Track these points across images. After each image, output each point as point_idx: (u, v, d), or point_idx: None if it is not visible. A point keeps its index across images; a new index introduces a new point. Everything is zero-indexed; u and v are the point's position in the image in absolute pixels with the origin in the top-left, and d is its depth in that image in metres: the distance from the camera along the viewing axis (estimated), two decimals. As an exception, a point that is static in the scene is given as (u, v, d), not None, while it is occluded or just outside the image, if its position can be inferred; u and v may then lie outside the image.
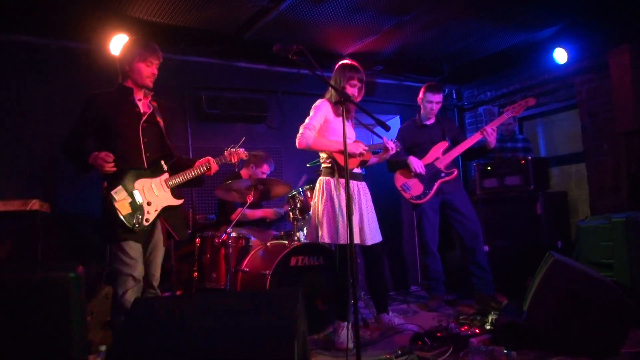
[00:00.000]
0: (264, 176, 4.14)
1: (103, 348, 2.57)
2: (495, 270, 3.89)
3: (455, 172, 3.90)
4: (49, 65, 3.89)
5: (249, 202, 3.48)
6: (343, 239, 2.97)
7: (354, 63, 3.18)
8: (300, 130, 3.06)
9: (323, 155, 3.17)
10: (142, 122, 2.67)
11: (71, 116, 3.82)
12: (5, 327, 1.57)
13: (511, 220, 4.26)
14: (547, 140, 5.41)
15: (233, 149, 3.00)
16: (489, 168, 4.47)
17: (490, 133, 3.74)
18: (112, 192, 2.50)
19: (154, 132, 2.72)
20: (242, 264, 3.45)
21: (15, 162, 3.71)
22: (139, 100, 2.71)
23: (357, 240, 3.03)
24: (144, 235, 2.65)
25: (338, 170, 3.04)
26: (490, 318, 3.06)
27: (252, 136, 4.52)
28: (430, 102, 3.94)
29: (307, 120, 3.09)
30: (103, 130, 2.61)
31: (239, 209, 3.84)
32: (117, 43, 3.77)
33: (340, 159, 3.02)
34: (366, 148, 3.14)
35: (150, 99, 2.76)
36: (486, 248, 3.95)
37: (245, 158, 3.07)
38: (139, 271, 2.60)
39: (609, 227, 3.21)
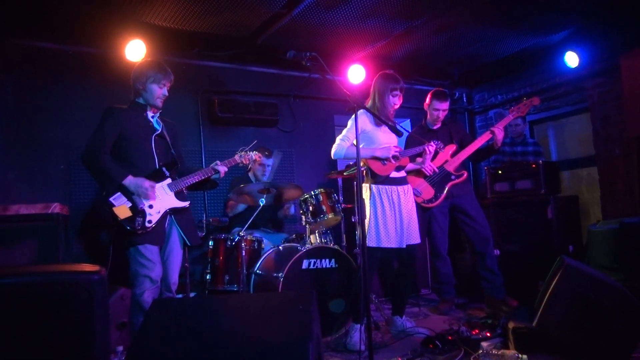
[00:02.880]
0: (268, 169, 4.14)
1: (120, 349, 2.62)
2: (506, 274, 3.89)
3: (465, 175, 3.91)
4: (65, 70, 3.97)
5: (261, 206, 3.52)
6: (387, 242, 3.08)
7: (394, 74, 3.25)
8: (337, 141, 3.21)
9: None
10: (154, 135, 2.81)
11: (87, 121, 3.94)
12: (29, 329, 1.61)
13: (522, 224, 4.26)
14: (558, 144, 5.40)
15: (244, 152, 3.07)
16: (499, 172, 4.48)
17: (498, 132, 3.75)
18: (110, 199, 2.60)
19: (164, 144, 2.86)
20: (255, 266, 3.49)
21: (33, 166, 3.79)
22: (152, 117, 2.85)
23: (394, 244, 3.09)
24: (160, 238, 2.72)
25: (372, 175, 3.17)
26: (501, 322, 3.07)
27: (264, 140, 4.57)
28: (436, 110, 3.95)
29: (343, 132, 3.24)
30: (119, 141, 2.71)
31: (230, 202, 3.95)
32: (132, 48, 3.85)
33: (373, 165, 3.16)
34: (400, 150, 3.15)
35: (158, 115, 2.90)
36: (497, 252, 3.95)
37: (258, 160, 3.14)
38: (156, 273, 2.67)
39: (619, 230, 3.20)
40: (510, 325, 2.80)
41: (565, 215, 4.25)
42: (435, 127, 4.06)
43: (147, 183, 2.66)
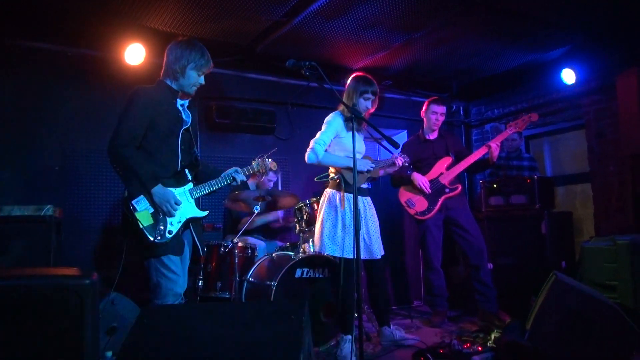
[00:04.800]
0: (271, 184, 4.19)
1: (109, 354, 2.59)
2: (499, 288, 3.90)
3: (460, 188, 3.93)
4: (63, 72, 3.96)
5: (255, 212, 3.52)
6: (348, 253, 3.01)
7: (367, 75, 3.20)
8: (311, 144, 3.09)
9: (332, 168, 3.22)
10: (182, 129, 2.55)
11: (84, 123, 3.98)
12: (17, 334, 1.59)
13: (516, 238, 4.27)
14: (553, 159, 5.43)
15: (261, 160, 2.88)
16: (494, 186, 4.50)
17: (494, 148, 3.78)
18: (133, 202, 2.39)
19: (188, 139, 2.61)
20: (248, 274, 3.48)
21: (28, 167, 3.77)
22: (182, 105, 2.59)
23: (363, 255, 3.07)
24: (181, 247, 2.53)
25: (345, 185, 3.08)
26: (492, 336, 3.08)
27: (260, 147, 4.57)
28: (434, 113, 3.99)
29: (317, 135, 3.12)
30: (146, 132, 2.43)
31: (247, 219, 3.88)
32: (132, 52, 3.86)
33: (347, 175, 3.08)
34: (373, 165, 3.17)
35: (188, 103, 2.67)
36: (490, 265, 3.96)
37: (273, 169, 2.94)
38: (181, 285, 2.51)
39: (614, 248, 3.22)
40: (502, 340, 2.80)
41: (559, 231, 4.27)
42: (431, 137, 4.08)
43: (173, 199, 2.45)
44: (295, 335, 1.85)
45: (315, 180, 3.99)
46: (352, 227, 2.97)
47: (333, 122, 3.13)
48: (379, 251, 3.17)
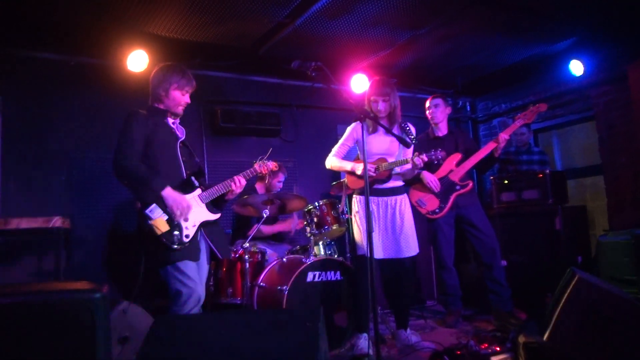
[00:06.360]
0: (281, 185, 4.16)
1: (122, 365, 2.57)
2: (513, 286, 3.83)
3: (470, 185, 3.86)
4: (67, 80, 3.94)
5: (264, 217, 3.48)
6: (363, 251, 3.11)
7: (377, 79, 3.28)
8: (331, 152, 3.36)
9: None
10: (178, 142, 2.68)
11: (88, 132, 3.95)
12: (29, 350, 1.57)
13: (529, 235, 4.21)
14: (562, 153, 5.37)
15: (262, 161, 2.98)
16: (506, 182, 4.44)
17: (502, 141, 3.72)
18: (147, 211, 2.44)
19: (188, 152, 2.74)
20: (259, 279, 3.44)
21: (34, 177, 3.75)
22: (172, 123, 2.73)
23: (378, 255, 3.08)
24: (196, 253, 2.58)
25: (351, 188, 3.32)
26: (510, 335, 3.02)
27: (266, 150, 4.55)
28: (428, 108, 4.00)
29: (338, 142, 3.36)
30: (145, 148, 2.56)
31: (255, 226, 3.85)
32: (135, 59, 3.84)
33: (348, 179, 3.31)
34: (371, 169, 3.08)
35: (178, 122, 2.79)
36: (504, 263, 3.90)
37: (275, 170, 3.06)
38: (199, 291, 2.55)
39: (632, 242, 3.16)
40: (521, 339, 2.74)
41: (574, 226, 4.20)
42: (441, 135, 4.03)
43: (185, 202, 2.51)
44: (311, 343, 1.81)
45: (332, 184, 4.03)
46: (363, 227, 3.10)
47: (350, 129, 3.31)
48: (407, 250, 3.17)
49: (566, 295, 2.50)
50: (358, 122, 3.25)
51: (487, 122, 5.92)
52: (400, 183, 3.31)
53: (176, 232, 2.47)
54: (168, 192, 2.47)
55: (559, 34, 4.29)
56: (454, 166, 3.87)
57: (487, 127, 5.93)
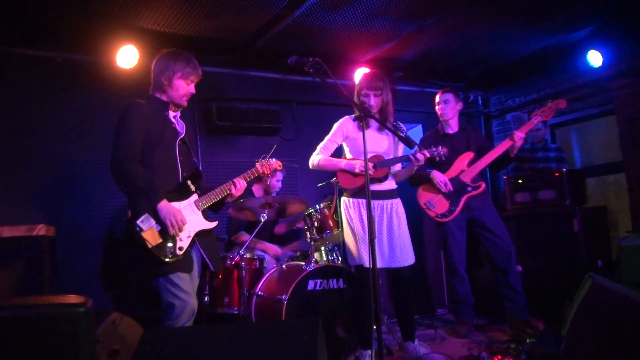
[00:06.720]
0: (280, 185, 4.16)
1: (112, 380, 2.57)
2: (529, 292, 3.81)
3: (483, 186, 3.84)
4: (54, 78, 3.95)
5: (262, 222, 3.47)
6: (360, 261, 3.05)
7: (366, 73, 3.27)
8: (317, 149, 3.24)
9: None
10: (178, 140, 2.61)
11: (77, 132, 3.96)
12: (11, 364, 1.58)
13: (546, 238, 4.18)
14: (582, 149, 5.33)
15: (265, 160, 2.91)
16: (520, 181, 4.41)
17: (518, 139, 3.68)
18: (138, 222, 2.38)
19: (186, 150, 2.66)
20: (257, 288, 3.44)
21: (20, 182, 3.76)
22: (174, 117, 2.66)
23: (379, 264, 3.04)
24: (190, 264, 2.54)
25: (343, 190, 3.22)
26: (525, 346, 3.00)
27: (265, 149, 4.53)
28: (438, 104, 3.98)
29: (325, 139, 3.25)
30: (143, 146, 2.49)
31: (241, 232, 3.88)
32: (125, 54, 3.85)
33: (340, 178, 3.20)
34: (371, 164, 3.04)
35: (179, 115, 2.72)
36: (519, 268, 3.88)
37: (279, 169, 2.99)
38: (192, 304, 2.53)
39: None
40: (537, 350, 2.73)
41: (593, 228, 4.17)
42: (451, 132, 4.00)
43: (180, 215, 2.45)
44: (309, 357, 1.80)
45: (318, 186, 3.97)
46: (360, 234, 3.06)
47: (338, 125, 3.25)
48: (403, 259, 3.12)
49: (580, 303, 2.48)
50: (347, 117, 3.24)
51: (501, 117, 5.89)
52: (394, 185, 3.28)
53: (169, 245, 2.43)
54: (163, 205, 2.42)
55: (575, 22, 4.26)
56: (465, 166, 3.85)
57: (500, 122, 5.90)
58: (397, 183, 3.32)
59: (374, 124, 3.17)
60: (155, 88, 2.62)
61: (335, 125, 3.27)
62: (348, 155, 3.29)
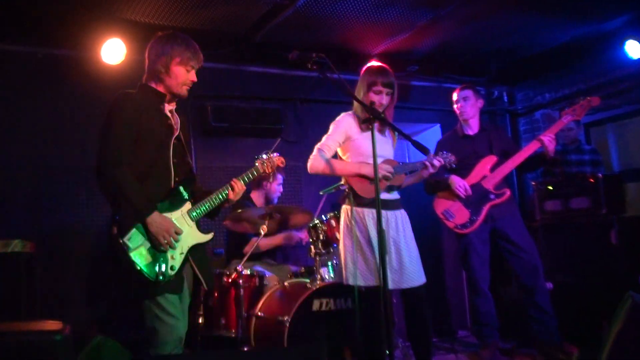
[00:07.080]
0: (281, 188, 4.16)
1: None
2: (561, 313, 3.76)
3: (508, 193, 3.78)
4: (34, 75, 3.97)
5: (263, 233, 3.47)
6: (365, 280, 2.92)
7: (379, 65, 3.15)
8: (314, 151, 3.05)
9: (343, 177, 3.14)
10: (173, 138, 2.49)
11: (58, 134, 3.98)
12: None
13: (579, 251, 4.11)
14: (620, 150, 5.27)
15: (266, 157, 2.78)
16: (550, 188, 4.36)
17: (548, 142, 3.64)
18: (125, 239, 2.26)
19: (181, 151, 2.55)
20: (256, 308, 3.44)
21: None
22: (170, 111, 2.54)
23: (389, 284, 2.96)
24: (180, 284, 2.44)
25: (354, 197, 3.00)
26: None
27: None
28: (457, 101, 3.95)
29: (323, 139, 3.08)
30: (133, 147, 2.39)
31: (253, 239, 3.83)
32: (110, 49, 3.87)
33: (356, 185, 2.99)
34: (391, 170, 2.98)
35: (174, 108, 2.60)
36: (550, 285, 3.84)
37: (282, 166, 2.85)
38: (180, 329, 2.43)
39: None
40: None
41: (633, 240, 4.10)
42: (471, 133, 3.97)
43: (173, 227, 2.35)
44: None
45: (320, 193, 3.92)
46: (369, 248, 2.93)
47: (340, 123, 3.10)
48: (416, 278, 3.01)
49: (620, 325, 2.44)
50: (348, 114, 3.12)
51: (529, 115, 5.84)
52: (398, 195, 3.17)
53: (161, 264, 2.33)
54: (154, 217, 2.31)
55: (611, 7, 4.21)
56: (487, 171, 3.80)
57: (528, 120, 5.86)
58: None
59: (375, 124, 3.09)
60: (150, 77, 2.50)
61: (337, 122, 3.12)
62: (344, 158, 3.14)
